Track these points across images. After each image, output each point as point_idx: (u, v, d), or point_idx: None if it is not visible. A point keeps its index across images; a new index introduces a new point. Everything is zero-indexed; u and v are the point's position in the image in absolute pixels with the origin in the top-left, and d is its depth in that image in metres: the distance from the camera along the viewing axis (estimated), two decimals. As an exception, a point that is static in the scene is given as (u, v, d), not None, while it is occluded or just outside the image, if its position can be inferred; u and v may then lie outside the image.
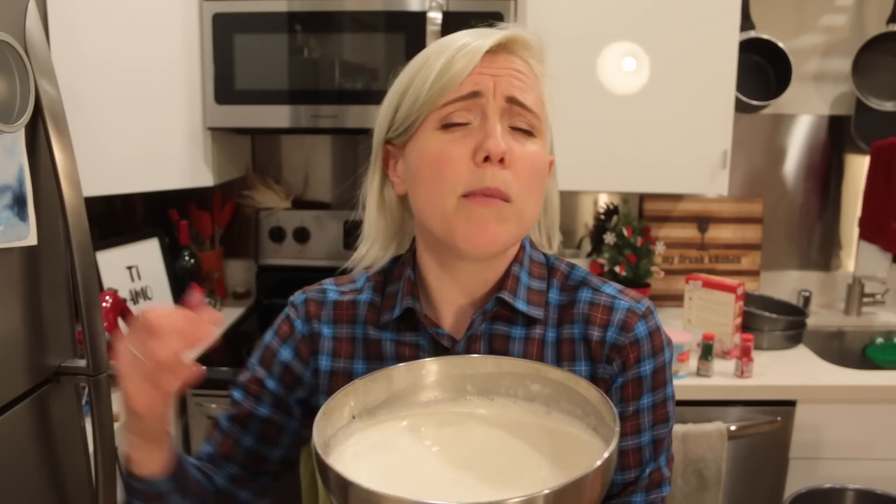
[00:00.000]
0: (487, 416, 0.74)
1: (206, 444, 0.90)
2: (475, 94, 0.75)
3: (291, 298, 0.92)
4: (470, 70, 0.75)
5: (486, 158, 0.73)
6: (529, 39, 0.80)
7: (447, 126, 0.76)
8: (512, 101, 0.76)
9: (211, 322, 0.66)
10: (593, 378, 0.82)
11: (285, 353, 0.89)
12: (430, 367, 0.76)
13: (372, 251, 0.88)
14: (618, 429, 0.61)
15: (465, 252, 0.77)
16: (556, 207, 0.90)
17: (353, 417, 0.72)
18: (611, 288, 0.85)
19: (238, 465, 0.88)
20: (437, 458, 0.67)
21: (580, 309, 0.83)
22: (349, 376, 0.86)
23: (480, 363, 0.76)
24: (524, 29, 0.80)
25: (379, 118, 0.83)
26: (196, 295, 0.72)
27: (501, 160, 0.74)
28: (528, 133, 0.77)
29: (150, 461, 0.74)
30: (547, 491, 0.54)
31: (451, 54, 0.75)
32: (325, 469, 0.58)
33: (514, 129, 0.77)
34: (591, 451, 0.66)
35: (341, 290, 0.91)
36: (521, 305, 0.82)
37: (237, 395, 0.90)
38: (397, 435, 0.71)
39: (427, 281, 0.85)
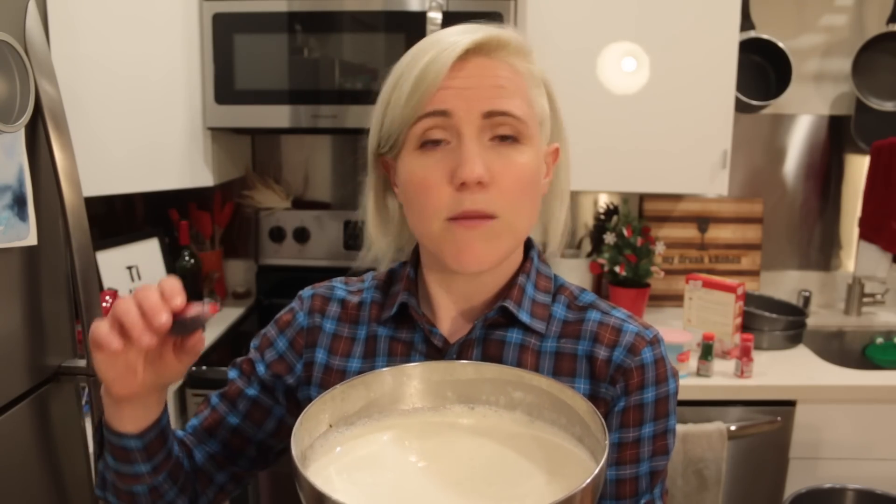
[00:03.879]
0: (470, 426, 0.71)
1: (193, 419, 0.91)
2: (444, 113, 0.72)
3: (300, 292, 0.93)
4: (437, 85, 0.72)
5: (463, 184, 0.72)
6: (505, 39, 0.74)
7: (425, 145, 0.74)
8: (489, 114, 0.73)
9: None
10: (593, 397, 0.80)
11: (281, 343, 0.90)
12: (411, 373, 0.73)
13: (375, 255, 0.88)
14: (608, 442, 0.58)
15: (457, 270, 0.77)
16: (566, 200, 0.86)
17: (330, 426, 0.69)
18: (620, 312, 0.84)
19: (220, 443, 0.89)
20: (425, 474, 0.64)
21: (588, 327, 0.82)
22: (342, 374, 0.86)
23: (461, 369, 0.73)
24: (500, 28, 0.75)
25: (371, 129, 0.81)
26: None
27: (480, 182, 0.72)
28: (514, 140, 0.74)
29: (122, 419, 0.74)
30: None
31: (421, 69, 0.72)
32: (304, 483, 0.55)
33: (498, 138, 0.74)
34: (580, 461, 0.63)
35: (349, 289, 0.91)
36: (524, 317, 0.81)
37: (232, 373, 0.92)
38: (381, 449, 0.67)
39: (427, 284, 0.85)
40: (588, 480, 0.53)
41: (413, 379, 0.72)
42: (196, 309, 0.65)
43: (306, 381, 0.88)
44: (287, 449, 0.90)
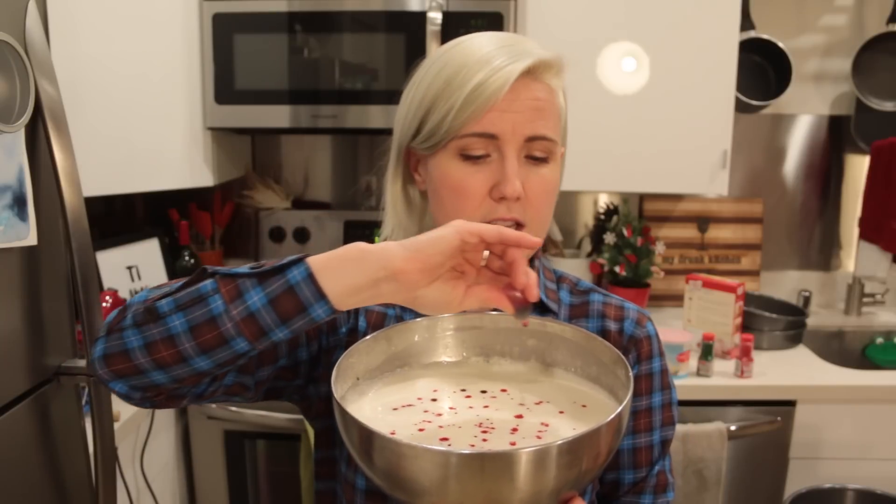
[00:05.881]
0: (493, 373, 0.77)
1: None
2: (492, 136, 0.78)
3: None
4: (489, 107, 0.77)
5: (503, 197, 0.78)
6: (548, 61, 0.80)
7: (466, 157, 0.79)
8: (531, 138, 0.79)
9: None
10: None
11: None
12: (447, 324, 0.79)
13: (394, 238, 0.89)
14: (631, 385, 0.63)
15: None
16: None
17: (358, 379, 0.73)
18: (617, 296, 0.93)
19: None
20: (456, 413, 0.69)
21: (595, 307, 0.91)
22: None
23: (490, 320, 0.79)
24: (545, 50, 0.80)
25: (401, 122, 0.84)
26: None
27: (517, 197, 0.79)
28: (545, 159, 0.81)
29: (349, 288, 0.64)
30: (560, 442, 0.55)
31: (473, 87, 0.76)
32: (347, 421, 0.60)
33: (531, 157, 0.80)
34: (600, 401, 0.70)
35: None
36: (542, 296, 0.87)
37: None
38: (412, 395, 0.72)
39: None
40: (612, 417, 0.58)
41: (449, 330, 0.79)
42: (529, 314, 0.69)
43: (346, 346, 0.85)
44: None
